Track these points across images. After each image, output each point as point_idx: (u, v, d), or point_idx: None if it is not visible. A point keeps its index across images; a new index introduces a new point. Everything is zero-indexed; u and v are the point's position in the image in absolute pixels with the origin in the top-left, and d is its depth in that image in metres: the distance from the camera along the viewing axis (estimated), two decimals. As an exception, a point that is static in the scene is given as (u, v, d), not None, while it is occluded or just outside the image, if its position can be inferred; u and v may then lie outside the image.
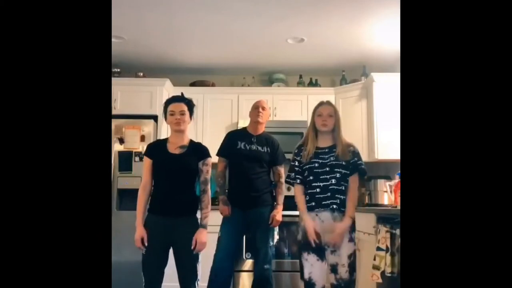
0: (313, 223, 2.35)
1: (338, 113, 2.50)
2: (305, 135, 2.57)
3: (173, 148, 2.45)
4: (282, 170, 2.91)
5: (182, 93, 2.57)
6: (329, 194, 2.36)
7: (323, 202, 2.36)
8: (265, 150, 2.90)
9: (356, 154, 2.44)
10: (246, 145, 2.90)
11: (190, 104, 2.51)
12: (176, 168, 2.39)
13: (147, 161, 2.46)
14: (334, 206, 2.35)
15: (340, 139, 2.44)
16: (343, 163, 2.39)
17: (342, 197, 2.37)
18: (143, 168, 2.49)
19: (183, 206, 2.40)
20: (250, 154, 2.86)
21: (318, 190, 2.37)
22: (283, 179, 2.86)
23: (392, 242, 2.62)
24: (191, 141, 2.53)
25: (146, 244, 2.31)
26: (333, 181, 2.36)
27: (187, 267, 2.37)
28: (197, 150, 2.49)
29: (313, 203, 2.38)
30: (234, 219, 2.83)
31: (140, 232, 2.33)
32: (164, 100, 2.57)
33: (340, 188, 2.38)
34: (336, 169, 2.38)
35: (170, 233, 2.35)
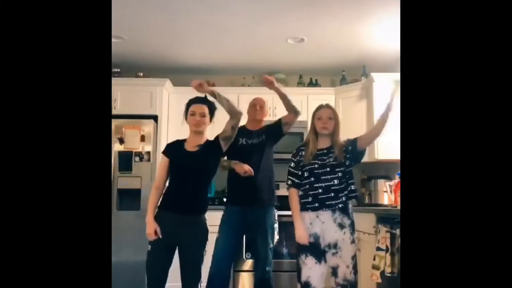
0: (303, 227, 2.36)
1: (338, 116, 2.51)
2: (306, 138, 2.57)
3: (190, 147, 2.46)
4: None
5: (205, 95, 2.57)
6: (332, 194, 2.35)
7: (327, 203, 2.35)
8: (264, 138, 2.86)
9: (350, 143, 2.45)
10: (247, 140, 2.88)
11: (211, 107, 2.52)
12: (190, 166, 2.39)
13: (163, 160, 2.47)
14: (340, 206, 2.34)
15: (338, 141, 2.45)
16: (342, 160, 2.39)
17: (345, 193, 2.36)
18: (159, 167, 2.50)
19: (193, 204, 2.39)
20: (251, 148, 2.84)
21: (320, 190, 2.37)
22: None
23: (392, 242, 2.62)
24: (208, 140, 2.53)
25: (160, 235, 2.31)
26: (335, 181, 2.36)
27: (191, 268, 2.35)
28: (212, 146, 2.50)
29: (316, 204, 2.36)
30: (233, 218, 2.81)
31: (151, 225, 2.33)
32: (164, 100, 2.57)
33: (343, 186, 2.37)
34: (337, 169, 2.38)
35: (177, 231, 2.34)
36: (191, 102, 2.51)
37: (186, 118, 2.50)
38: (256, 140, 2.86)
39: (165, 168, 2.45)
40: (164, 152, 2.49)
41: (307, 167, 2.42)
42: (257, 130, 2.91)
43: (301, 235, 2.35)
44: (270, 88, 2.74)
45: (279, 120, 2.87)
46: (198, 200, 2.42)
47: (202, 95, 2.55)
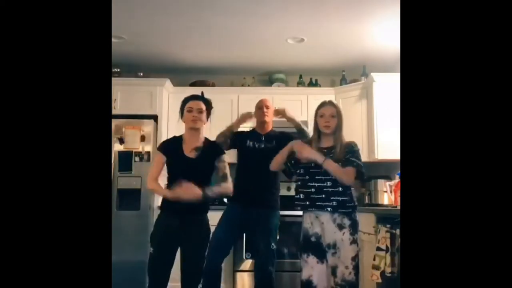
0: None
1: (341, 114, 2.44)
2: (311, 136, 2.54)
3: (188, 150, 2.40)
4: None
5: (202, 92, 2.51)
6: (323, 196, 2.32)
7: (317, 203, 2.33)
8: (274, 144, 2.83)
9: (352, 151, 2.37)
10: (255, 143, 2.87)
11: (208, 104, 2.47)
12: (191, 172, 2.33)
13: (159, 157, 2.40)
14: (329, 209, 2.32)
15: (340, 140, 2.40)
16: (340, 164, 2.36)
17: (339, 198, 2.32)
18: (155, 163, 2.42)
19: (195, 203, 2.33)
20: (259, 152, 2.83)
21: (313, 190, 2.34)
22: None
23: (392, 242, 2.62)
24: (206, 140, 2.48)
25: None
26: (329, 183, 2.32)
27: (192, 269, 2.34)
28: (212, 150, 2.45)
29: (307, 202, 2.35)
30: (234, 215, 2.80)
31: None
32: (164, 100, 2.57)
33: (337, 189, 2.32)
34: None
35: (180, 232, 2.33)
36: (187, 99, 2.46)
37: (182, 116, 2.45)
38: (264, 145, 2.85)
39: (161, 165, 2.39)
40: (160, 150, 2.42)
41: (303, 165, 2.40)
42: (267, 134, 2.91)
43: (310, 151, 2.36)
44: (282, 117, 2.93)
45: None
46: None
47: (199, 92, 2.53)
